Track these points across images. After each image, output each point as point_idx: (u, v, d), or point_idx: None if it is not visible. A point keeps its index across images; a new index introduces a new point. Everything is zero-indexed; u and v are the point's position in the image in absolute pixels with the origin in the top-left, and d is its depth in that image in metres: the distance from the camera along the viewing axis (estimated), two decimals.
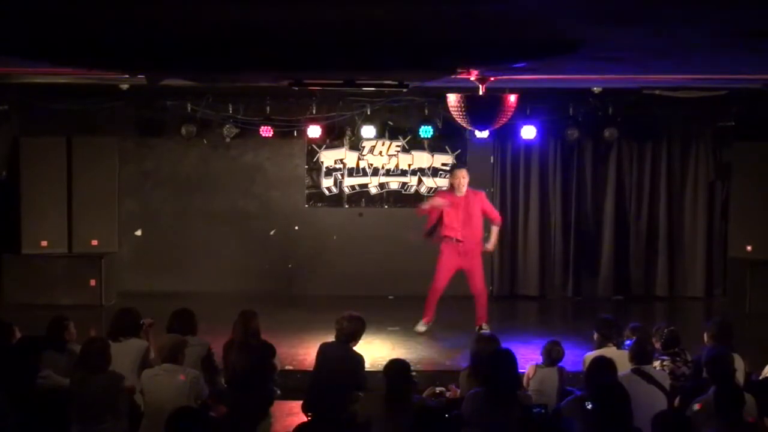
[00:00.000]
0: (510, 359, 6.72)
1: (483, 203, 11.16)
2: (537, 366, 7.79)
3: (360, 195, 13.78)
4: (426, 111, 12.97)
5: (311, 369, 8.26)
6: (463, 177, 11.04)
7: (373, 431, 6.65)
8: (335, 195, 13.76)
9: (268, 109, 12.90)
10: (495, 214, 11.32)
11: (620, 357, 7.30)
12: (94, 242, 12.87)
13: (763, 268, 12.52)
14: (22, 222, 12.65)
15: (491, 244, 11.26)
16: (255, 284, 13.24)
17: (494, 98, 8.85)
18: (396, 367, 6.80)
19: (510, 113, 9.14)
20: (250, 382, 7.74)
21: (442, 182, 13.68)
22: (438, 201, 11.09)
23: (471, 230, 10.97)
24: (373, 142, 13.61)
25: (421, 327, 11.17)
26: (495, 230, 11.27)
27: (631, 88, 11.58)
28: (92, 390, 6.79)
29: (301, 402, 8.06)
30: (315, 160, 13.73)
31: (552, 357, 7.76)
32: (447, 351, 10.39)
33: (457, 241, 10.94)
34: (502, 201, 13.75)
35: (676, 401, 7.29)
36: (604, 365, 6.78)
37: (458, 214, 10.92)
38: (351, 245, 13.75)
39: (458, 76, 8.68)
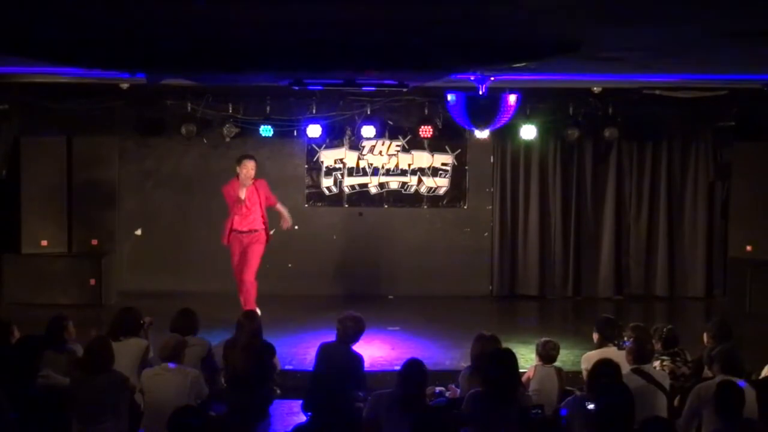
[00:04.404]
0: (510, 359, 6.71)
1: (264, 190, 11.31)
2: (537, 366, 7.79)
3: (360, 195, 13.77)
4: (426, 111, 12.97)
5: (311, 369, 8.27)
6: (252, 168, 11.18)
7: (382, 431, 6.62)
8: (335, 195, 13.75)
9: (268, 108, 12.89)
10: (272, 199, 11.42)
11: (620, 357, 7.30)
12: (94, 242, 12.86)
13: (763, 268, 12.50)
14: (22, 221, 12.63)
15: (286, 221, 11.43)
16: None
17: (494, 98, 8.86)
18: (414, 369, 6.76)
19: (510, 113, 9.16)
20: (250, 381, 7.75)
21: (442, 182, 13.68)
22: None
23: (253, 219, 11.18)
24: (373, 142, 13.60)
25: None
26: (280, 207, 11.40)
27: (631, 88, 11.58)
28: (94, 389, 6.79)
29: (301, 402, 8.07)
30: (315, 159, 13.72)
31: (549, 353, 7.76)
32: (447, 351, 10.38)
33: (239, 232, 11.17)
34: (502, 201, 13.75)
35: (676, 401, 7.30)
36: (609, 367, 6.74)
37: (241, 207, 11.11)
38: (351, 245, 13.74)
39: (458, 76, 8.69)
